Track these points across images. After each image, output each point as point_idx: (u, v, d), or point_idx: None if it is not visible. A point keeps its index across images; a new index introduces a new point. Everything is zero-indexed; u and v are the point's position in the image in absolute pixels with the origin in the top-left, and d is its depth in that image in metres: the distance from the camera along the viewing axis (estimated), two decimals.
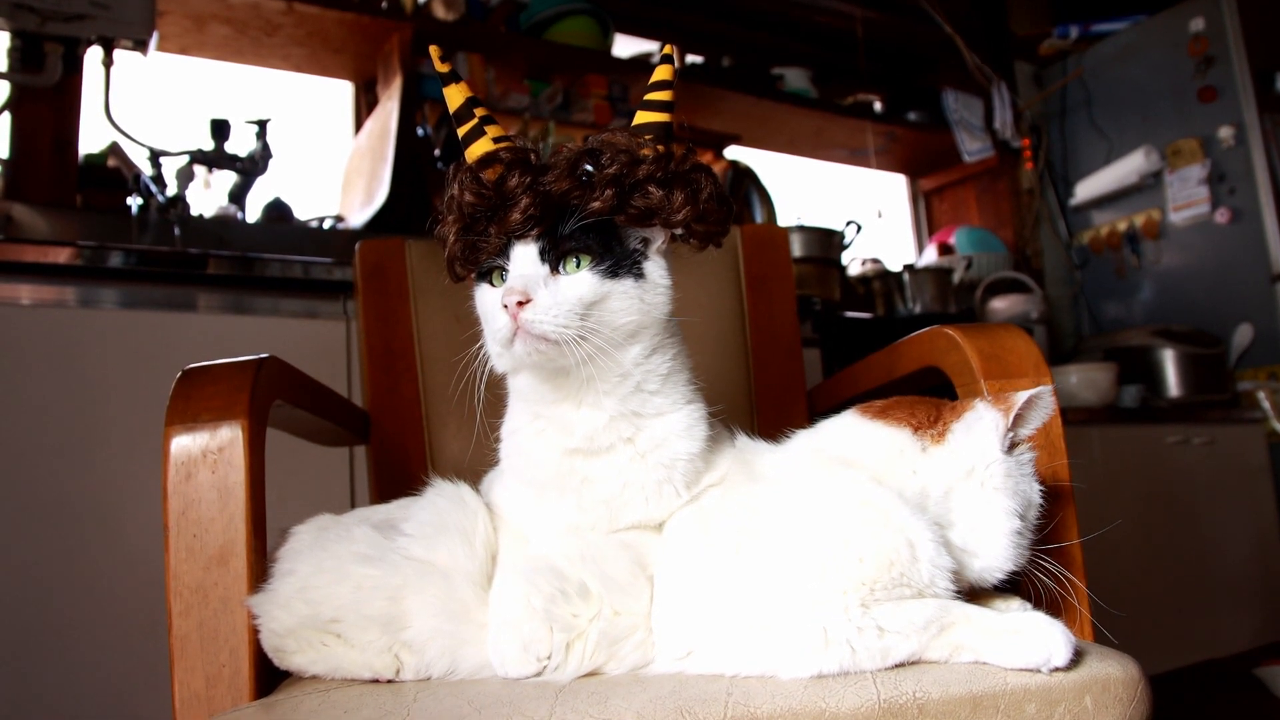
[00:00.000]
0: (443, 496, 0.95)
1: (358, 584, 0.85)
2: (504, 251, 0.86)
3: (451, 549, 0.88)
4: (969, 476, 0.84)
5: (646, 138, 0.86)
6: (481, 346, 0.89)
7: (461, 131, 0.89)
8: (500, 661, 0.83)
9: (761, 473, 0.90)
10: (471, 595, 0.86)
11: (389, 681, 0.84)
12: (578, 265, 0.84)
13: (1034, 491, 0.85)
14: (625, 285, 0.85)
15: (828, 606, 0.75)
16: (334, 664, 0.86)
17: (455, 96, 0.90)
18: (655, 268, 0.89)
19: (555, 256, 0.84)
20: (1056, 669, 0.74)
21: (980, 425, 0.85)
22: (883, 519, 0.78)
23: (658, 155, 0.85)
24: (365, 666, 0.85)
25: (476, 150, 0.87)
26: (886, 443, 0.87)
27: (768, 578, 0.79)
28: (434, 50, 0.91)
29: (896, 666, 0.76)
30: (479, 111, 0.89)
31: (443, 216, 0.91)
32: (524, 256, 0.85)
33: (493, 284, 0.88)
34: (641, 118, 0.88)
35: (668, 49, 0.90)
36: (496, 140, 0.87)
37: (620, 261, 0.85)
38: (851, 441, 0.89)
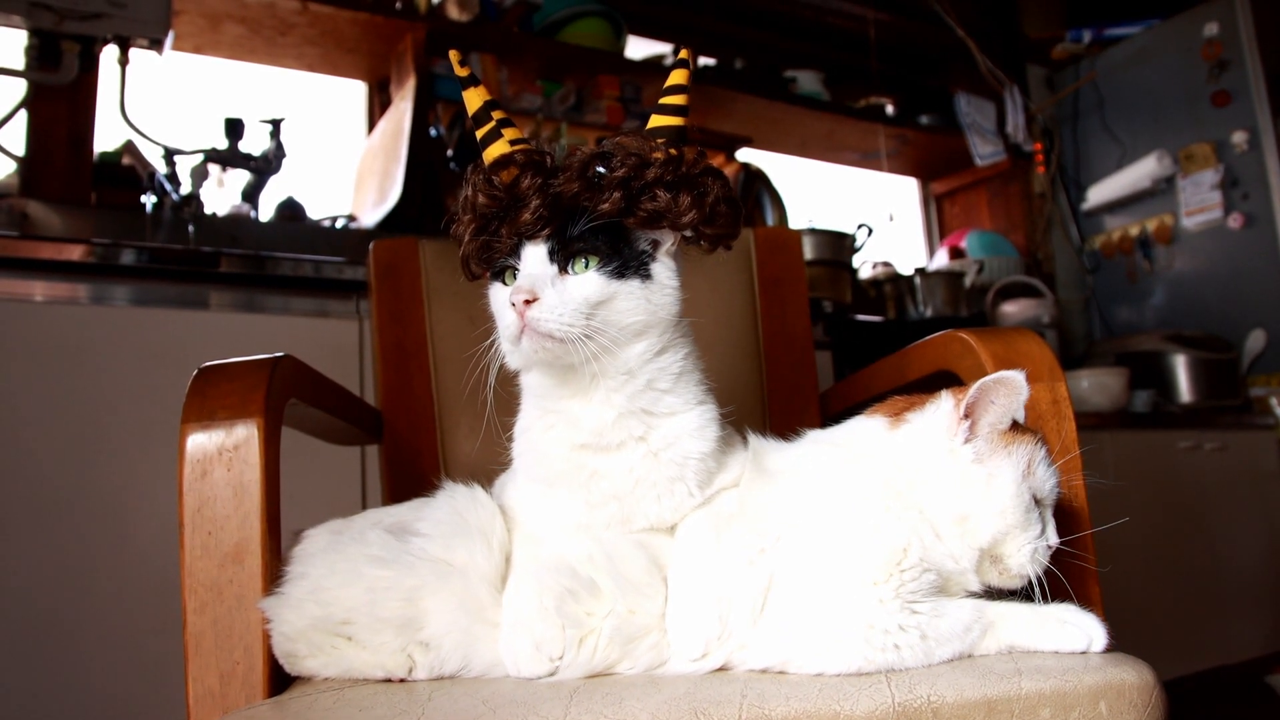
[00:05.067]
0: (457, 497, 0.96)
1: (370, 585, 0.86)
2: (515, 251, 0.88)
3: (470, 548, 0.89)
4: (925, 462, 0.85)
5: (659, 141, 0.88)
6: (494, 343, 0.91)
7: (479, 134, 0.91)
8: (513, 661, 0.84)
9: (772, 470, 0.92)
10: (487, 595, 0.87)
11: (401, 681, 0.85)
12: (585, 266, 0.86)
13: (995, 483, 0.83)
14: (632, 286, 0.87)
15: (860, 602, 0.79)
16: (346, 666, 0.86)
17: (474, 99, 0.91)
18: (663, 269, 0.90)
19: (564, 257, 0.86)
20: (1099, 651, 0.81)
21: (935, 414, 0.87)
22: (881, 509, 0.83)
23: (667, 159, 0.87)
24: (378, 666, 0.85)
25: (493, 152, 0.89)
26: (868, 433, 0.91)
27: (790, 578, 0.82)
28: (454, 55, 0.93)
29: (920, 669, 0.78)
30: (496, 114, 0.91)
31: (458, 216, 0.92)
32: (534, 256, 0.87)
33: (505, 283, 0.89)
34: (656, 121, 0.90)
35: (684, 53, 0.91)
36: (513, 143, 0.89)
37: (628, 263, 0.87)
38: (847, 434, 0.93)
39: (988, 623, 0.81)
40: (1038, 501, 0.85)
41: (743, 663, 0.83)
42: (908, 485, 0.85)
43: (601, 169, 0.86)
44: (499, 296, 0.90)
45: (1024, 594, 0.87)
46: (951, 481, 0.84)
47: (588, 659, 0.82)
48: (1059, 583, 0.86)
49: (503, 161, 0.87)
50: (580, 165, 0.86)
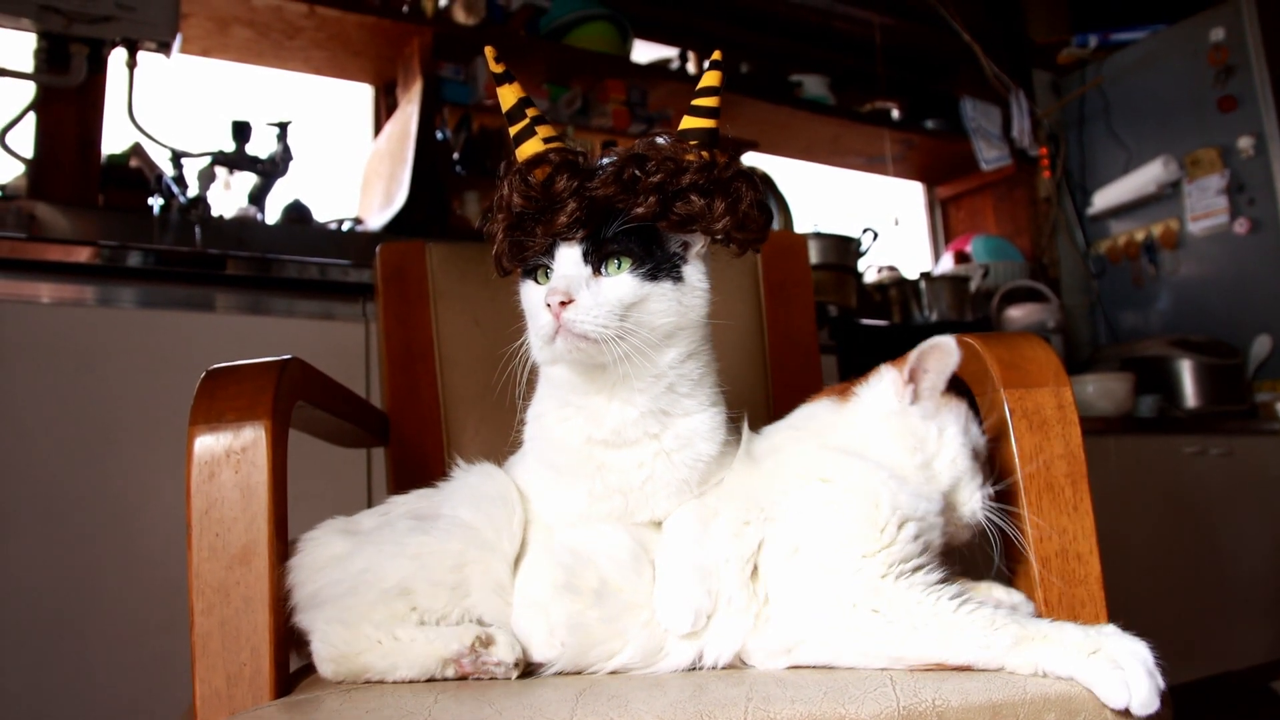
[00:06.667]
0: (472, 474, 0.98)
1: (416, 552, 0.88)
2: (549, 251, 0.89)
3: (495, 524, 0.91)
4: (877, 426, 0.93)
5: (692, 143, 0.88)
6: (524, 342, 0.92)
7: (513, 131, 0.91)
8: (526, 641, 0.86)
9: (755, 457, 0.96)
10: (506, 575, 0.89)
11: (476, 666, 0.84)
12: (619, 267, 0.86)
13: (944, 435, 0.93)
14: (664, 288, 0.88)
15: (859, 582, 0.82)
16: (416, 654, 0.85)
17: (508, 96, 0.92)
18: (694, 271, 0.91)
19: (598, 258, 0.86)
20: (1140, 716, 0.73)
21: (880, 384, 0.95)
22: (846, 478, 0.87)
23: (701, 163, 0.87)
24: (453, 640, 0.84)
25: (527, 150, 0.90)
26: (821, 412, 0.99)
27: (778, 552, 0.86)
28: (489, 51, 0.93)
29: (938, 670, 0.78)
30: (530, 112, 0.91)
31: (492, 214, 0.93)
32: (568, 258, 0.87)
33: (538, 281, 0.90)
34: (688, 122, 0.90)
35: (716, 54, 0.92)
36: (546, 140, 0.89)
37: (660, 265, 0.88)
38: (802, 417, 1.01)
39: (1022, 635, 0.77)
40: (976, 455, 0.94)
41: (753, 652, 0.86)
42: (867, 448, 0.92)
43: (636, 171, 0.87)
44: (532, 295, 0.91)
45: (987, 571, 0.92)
46: (907, 437, 0.92)
47: (580, 628, 0.85)
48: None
49: (537, 160, 0.88)
50: (616, 168, 0.87)
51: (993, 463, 0.96)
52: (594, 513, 0.92)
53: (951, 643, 0.78)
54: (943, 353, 0.92)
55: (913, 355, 0.93)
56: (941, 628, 0.79)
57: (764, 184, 3.45)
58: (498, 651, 0.84)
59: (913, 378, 0.94)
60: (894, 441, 0.92)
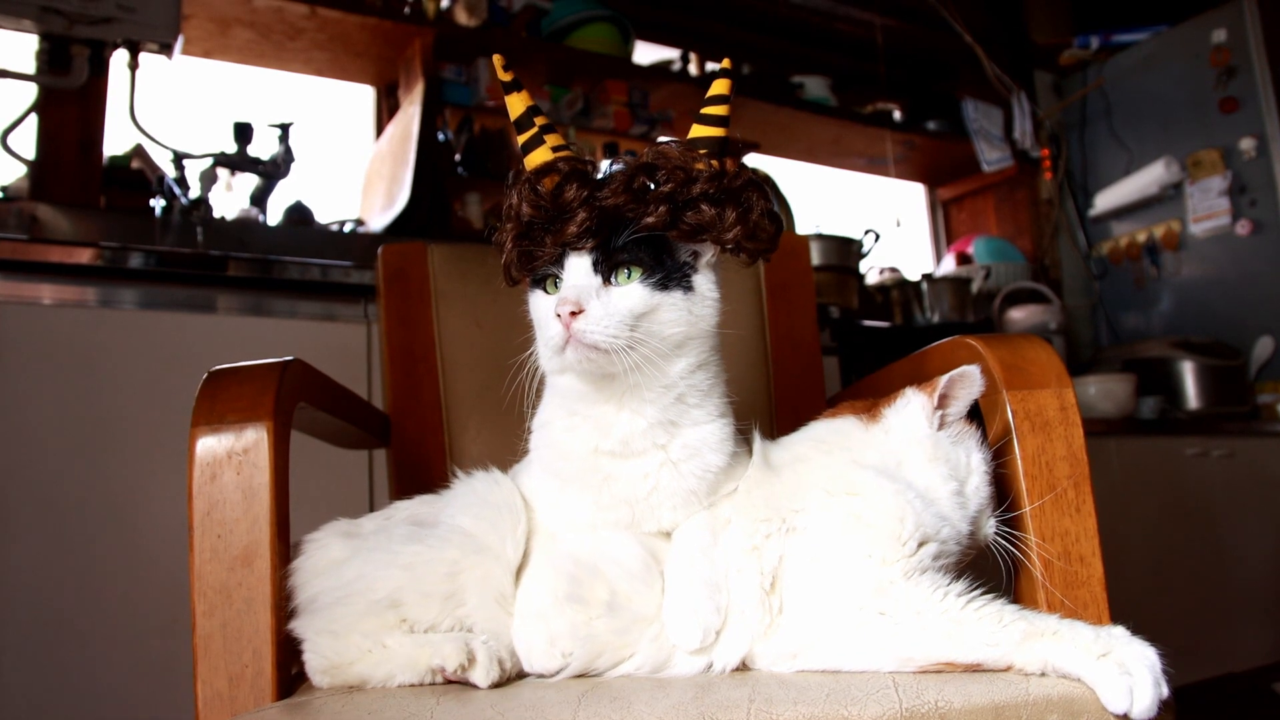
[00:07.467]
0: (477, 480, 0.98)
1: (409, 563, 0.87)
2: (558, 260, 0.88)
3: (498, 527, 0.91)
4: (910, 450, 0.94)
5: (701, 152, 0.88)
6: (532, 352, 0.91)
7: (521, 139, 0.91)
8: (526, 652, 0.86)
9: (774, 465, 0.96)
10: (508, 584, 0.89)
11: (456, 680, 0.83)
12: (629, 277, 0.86)
13: (971, 460, 0.95)
14: (674, 297, 0.87)
15: (875, 585, 0.82)
16: (402, 661, 0.84)
17: (517, 104, 0.92)
18: (704, 280, 0.91)
19: (608, 268, 0.86)
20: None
21: (909, 408, 0.97)
22: (875, 495, 0.88)
23: (712, 173, 0.87)
24: (436, 656, 0.83)
25: (535, 159, 0.89)
26: (847, 429, 0.99)
27: (801, 561, 0.86)
28: (498, 59, 0.92)
29: (946, 670, 0.78)
30: (539, 120, 0.91)
31: (501, 224, 0.92)
32: (578, 267, 0.87)
33: (547, 291, 0.90)
34: (697, 131, 0.90)
35: (725, 62, 0.92)
36: (555, 149, 0.89)
37: (670, 274, 0.88)
38: (826, 431, 1.01)
39: (1031, 631, 0.77)
40: (990, 480, 0.96)
41: (759, 656, 0.85)
42: (900, 469, 0.93)
43: (646, 180, 0.86)
44: (541, 305, 0.90)
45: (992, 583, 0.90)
46: (942, 463, 0.93)
47: (588, 639, 0.84)
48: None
49: (545, 169, 0.88)
50: (626, 177, 0.86)
51: (1000, 483, 0.97)
52: (600, 522, 0.91)
53: (959, 640, 0.78)
54: (969, 381, 0.95)
55: (941, 381, 0.95)
56: (949, 625, 0.79)
57: (766, 185, 3.44)
58: (474, 674, 0.82)
59: (941, 403, 0.96)
60: (930, 466, 0.93)
